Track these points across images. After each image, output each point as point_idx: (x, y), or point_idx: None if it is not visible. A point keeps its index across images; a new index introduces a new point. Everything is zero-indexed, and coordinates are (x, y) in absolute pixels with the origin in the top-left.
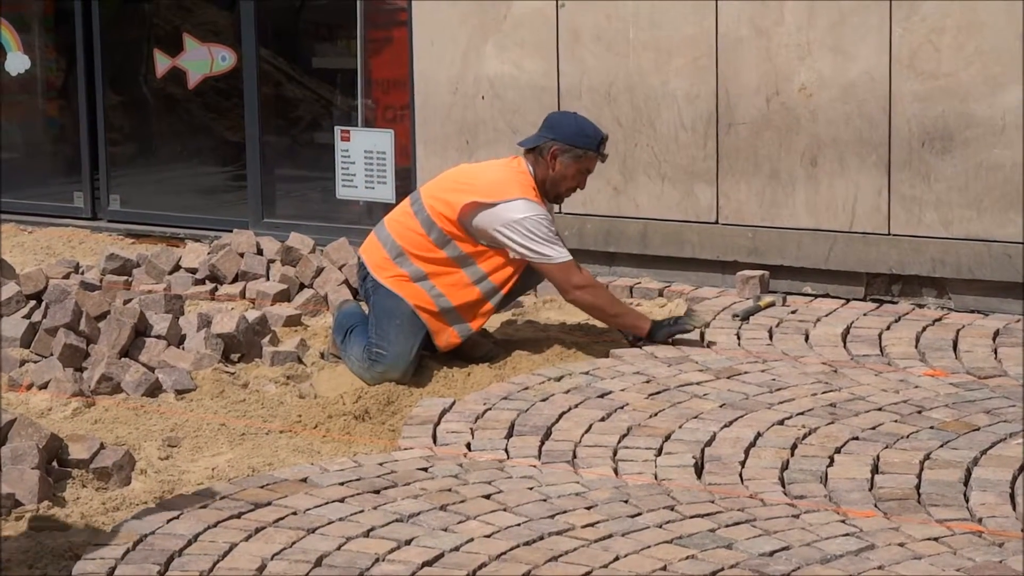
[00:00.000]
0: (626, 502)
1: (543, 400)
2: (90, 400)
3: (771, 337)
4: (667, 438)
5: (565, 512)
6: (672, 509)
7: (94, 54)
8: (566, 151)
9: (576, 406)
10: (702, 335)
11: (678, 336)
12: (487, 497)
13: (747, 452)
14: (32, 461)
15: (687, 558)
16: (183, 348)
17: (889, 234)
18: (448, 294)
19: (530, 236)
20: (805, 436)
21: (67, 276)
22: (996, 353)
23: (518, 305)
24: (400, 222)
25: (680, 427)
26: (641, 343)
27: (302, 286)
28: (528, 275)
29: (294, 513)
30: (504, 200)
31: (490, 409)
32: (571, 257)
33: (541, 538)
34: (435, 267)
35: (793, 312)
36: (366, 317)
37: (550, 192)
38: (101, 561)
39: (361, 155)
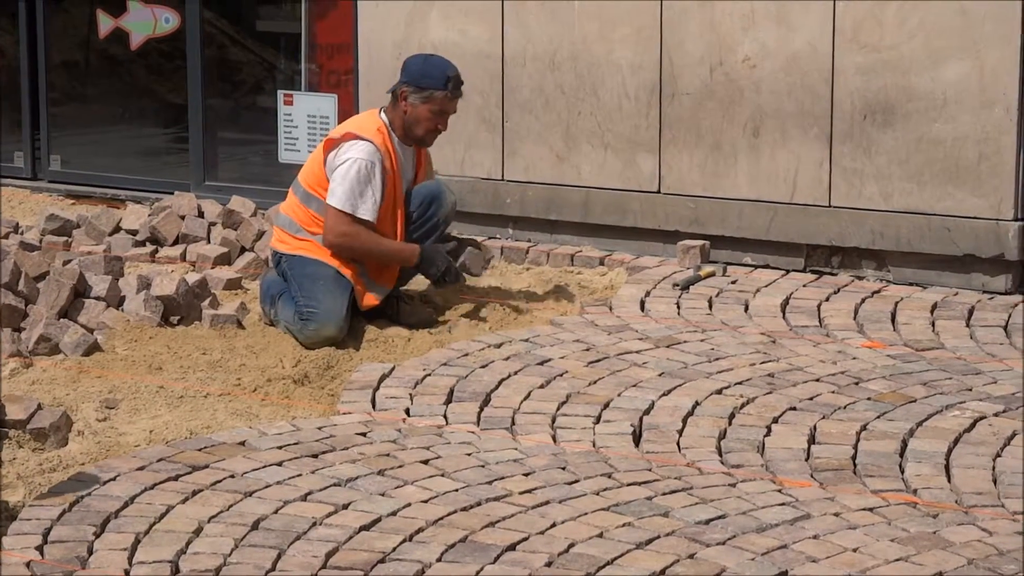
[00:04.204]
0: (564, 469)
1: (483, 367)
2: (28, 361)
3: (711, 307)
4: (606, 406)
5: (503, 478)
6: (609, 477)
7: (36, 13)
8: (413, 92)
9: (515, 373)
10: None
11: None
12: (425, 463)
13: (685, 421)
14: None
15: (624, 525)
16: (122, 310)
17: (830, 206)
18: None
19: (343, 175)
20: (743, 406)
21: (6, 236)
22: (934, 326)
23: None
24: (288, 204)
25: (619, 395)
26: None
27: (243, 249)
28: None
29: (231, 476)
30: (347, 140)
31: (429, 375)
32: (355, 213)
33: (479, 504)
34: None
35: (733, 282)
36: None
37: (410, 135)
38: (37, 522)
39: (304, 119)
